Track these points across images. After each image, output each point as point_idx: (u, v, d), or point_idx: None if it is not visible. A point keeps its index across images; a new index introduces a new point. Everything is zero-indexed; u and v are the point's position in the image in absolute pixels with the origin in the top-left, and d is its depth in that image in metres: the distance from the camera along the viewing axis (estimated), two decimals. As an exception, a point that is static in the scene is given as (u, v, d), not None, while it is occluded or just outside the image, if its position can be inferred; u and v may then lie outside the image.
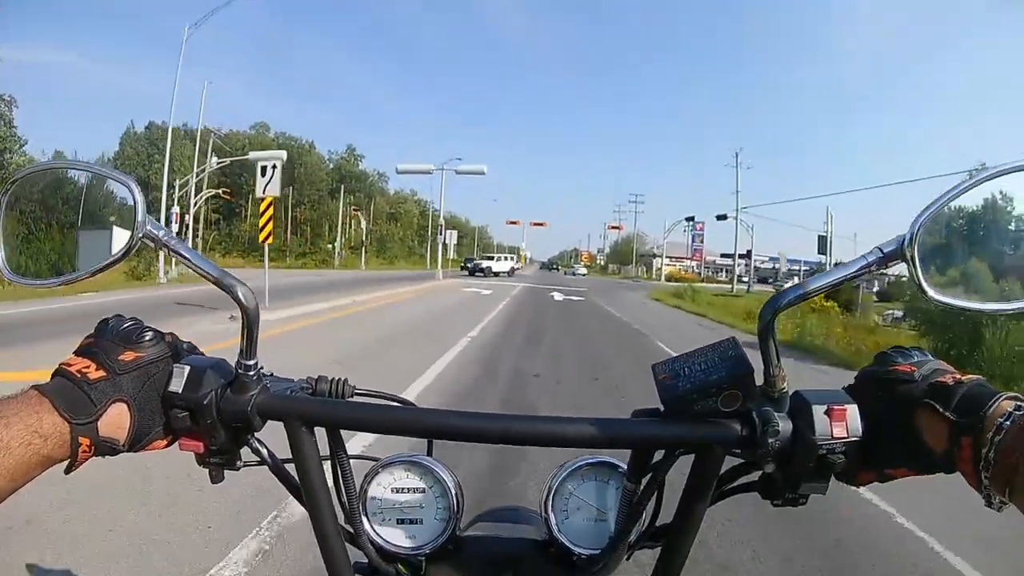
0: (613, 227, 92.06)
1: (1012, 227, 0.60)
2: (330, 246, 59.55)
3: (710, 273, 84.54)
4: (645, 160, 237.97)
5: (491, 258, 49.22)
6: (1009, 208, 0.58)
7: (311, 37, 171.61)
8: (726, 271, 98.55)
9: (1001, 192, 0.56)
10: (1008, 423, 0.47)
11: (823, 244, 43.28)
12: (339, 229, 61.63)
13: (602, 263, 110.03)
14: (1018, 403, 0.48)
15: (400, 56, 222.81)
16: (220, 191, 41.92)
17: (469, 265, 39.18)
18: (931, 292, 0.55)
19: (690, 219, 52.65)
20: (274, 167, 13.06)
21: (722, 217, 45.37)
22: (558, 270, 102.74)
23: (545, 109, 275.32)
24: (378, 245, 73.62)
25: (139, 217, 0.57)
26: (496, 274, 42.03)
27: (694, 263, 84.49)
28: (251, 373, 0.62)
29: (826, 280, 0.58)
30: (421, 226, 80.00)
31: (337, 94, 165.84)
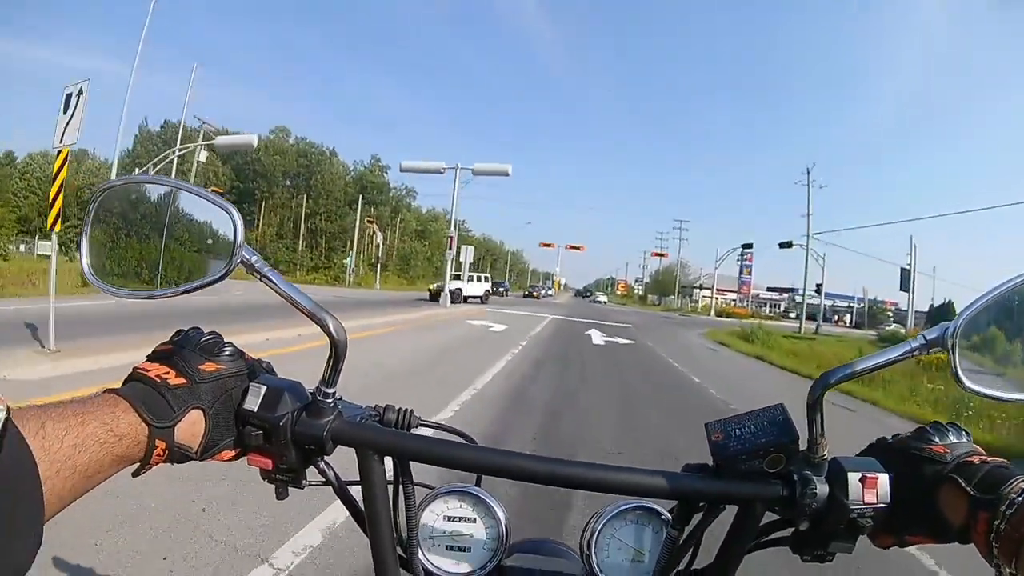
0: (657, 254, 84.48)
1: None
2: (346, 261, 54.64)
3: (755, 307, 77.11)
4: (691, 185, 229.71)
5: (459, 278, 32.95)
6: None
7: (357, 60, 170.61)
8: (770, 305, 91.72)
9: None
10: (1020, 499, 0.51)
11: (906, 279, 36.35)
12: (354, 242, 56.51)
13: (640, 293, 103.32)
14: None
15: (439, 78, 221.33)
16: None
17: (432, 287, 29.84)
18: (967, 382, 0.60)
19: (747, 246, 45.30)
20: (80, 94, 6.99)
21: (786, 244, 38.25)
22: (590, 297, 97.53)
23: (586, 130, 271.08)
24: (401, 263, 69.33)
25: (238, 242, 0.60)
26: (466, 300, 31.55)
27: (737, 296, 77.11)
28: (329, 400, 0.64)
29: (873, 362, 0.63)
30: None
31: (374, 110, 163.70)
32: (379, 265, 53.73)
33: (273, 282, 0.61)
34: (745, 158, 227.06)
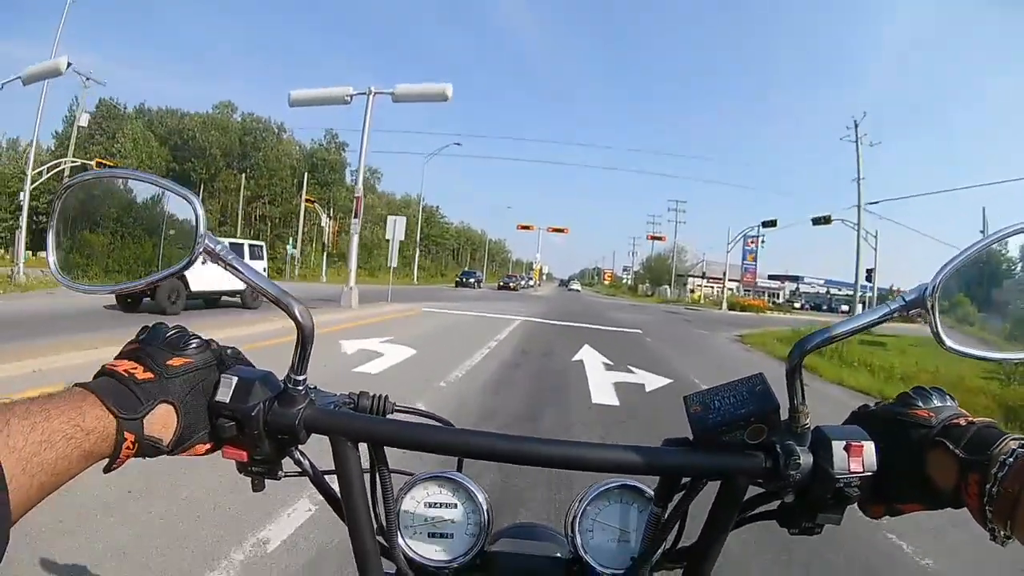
0: (653, 237, 75.18)
1: None
2: (291, 249, 45.94)
3: (753, 297, 69.07)
4: (688, 160, 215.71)
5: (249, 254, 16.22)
6: None
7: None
8: (769, 295, 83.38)
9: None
10: (1011, 460, 0.50)
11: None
12: (299, 228, 47.99)
13: (630, 283, 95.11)
14: (1022, 443, 0.52)
15: (417, 62, 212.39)
16: (95, 162, 27.63)
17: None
18: (948, 342, 0.58)
19: (769, 224, 36.76)
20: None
21: (822, 220, 29.98)
22: (566, 286, 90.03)
23: (571, 105, 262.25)
24: (363, 252, 59.57)
25: (200, 230, 0.60)
26: (216, 299, 14.46)
27: (738, 285, 69.07)
28: (300, 388, 0.63)
29: (851, 326, 0.62)
30: (426, 234, 67.77)
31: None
32: (325, 254, 45.30)
33: (238, 270, 0.61)
34: (750, 129, 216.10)
